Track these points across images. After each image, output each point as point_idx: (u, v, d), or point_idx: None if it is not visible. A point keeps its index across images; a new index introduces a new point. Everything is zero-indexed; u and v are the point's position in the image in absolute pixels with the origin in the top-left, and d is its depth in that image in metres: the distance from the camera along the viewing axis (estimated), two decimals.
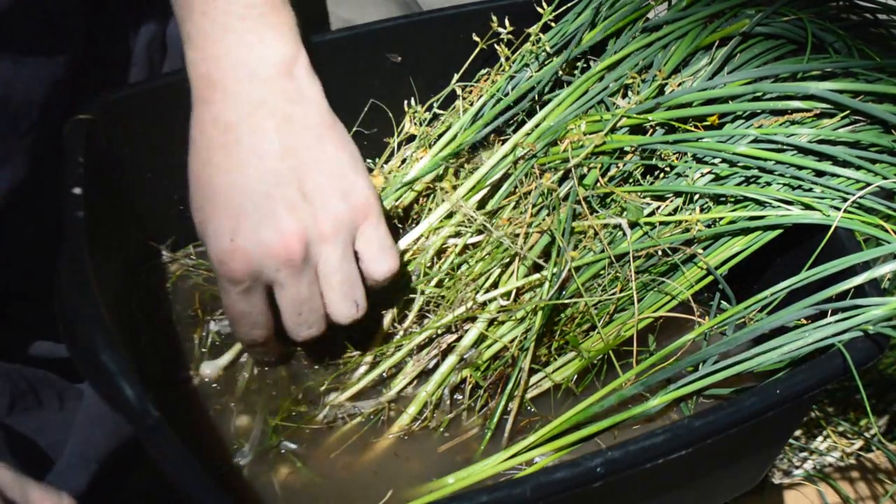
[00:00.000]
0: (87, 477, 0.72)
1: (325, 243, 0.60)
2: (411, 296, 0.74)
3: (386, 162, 0.87)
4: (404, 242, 0.78)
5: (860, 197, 0.68)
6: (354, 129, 0.84)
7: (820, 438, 0.88)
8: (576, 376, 0.72)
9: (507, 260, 0.73)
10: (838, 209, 0.68)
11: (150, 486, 0.76)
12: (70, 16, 0.70)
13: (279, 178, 0.58)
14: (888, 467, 0.86)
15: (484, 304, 0.71)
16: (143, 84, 0.80)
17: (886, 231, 0.66)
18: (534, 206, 0.74)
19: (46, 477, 0.71)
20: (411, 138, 0.86)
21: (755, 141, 0.72)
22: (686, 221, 0.72)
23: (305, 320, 0.62)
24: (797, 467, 0.87)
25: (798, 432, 0.89)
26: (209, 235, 0.59)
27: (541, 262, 0.73)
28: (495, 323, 0.71)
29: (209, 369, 0.71)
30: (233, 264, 0.59)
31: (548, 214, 0.73)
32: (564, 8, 0.85)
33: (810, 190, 0.70)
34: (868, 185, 0.70)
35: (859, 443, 0.87)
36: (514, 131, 0.82)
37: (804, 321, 0.65)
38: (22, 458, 0.70)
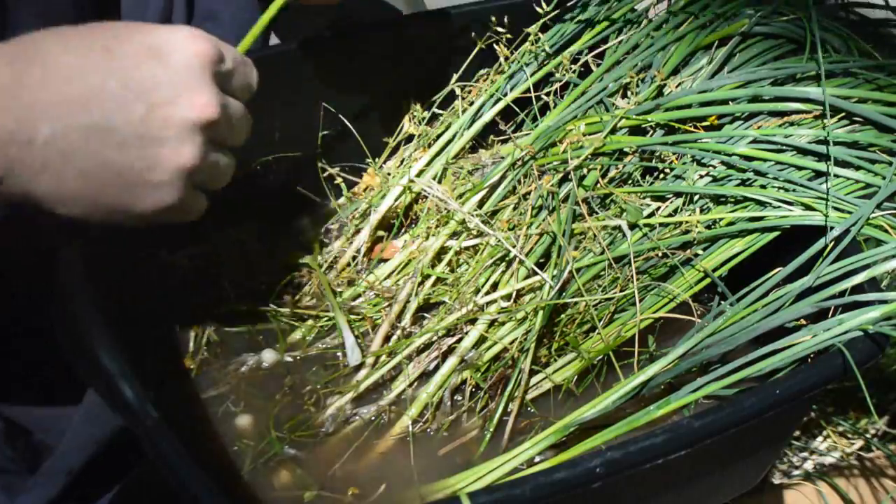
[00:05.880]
0: (84, 458, 0.72)
1: (211, 120, 0.55)
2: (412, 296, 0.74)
3: (385, 162, 0.87)
4: (402, 243, 0.78)
5: (864, 204, 0.68)
6: (353, 129, 0.84)
7: (820, 438, 0.88)
8: (576, 377, 0.72)
9: (508, 261, 0.73)
10: (838, 209, 0.68)
11: (149, 486, 0.76)
12: None
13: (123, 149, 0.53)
14: (888, 467, 0.86)
15: (484, 305, 0.71)
16: None
17: (886, 231, 0.66)
18: (533, 207, 0.74)
19: (47, 461, 0.71)
20: (410, 138, 0.86)
21: (754, 142, 0.73)
22: (686, 222, 0.72)
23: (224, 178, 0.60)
24: (797, 467, 0.87)
25: (798, 432, 0.89)
26: (120, 218, 0.55)
27: (541, 262, 0.73)
28: (495, 324, 0.71)
29: (269, 356, 0.73)
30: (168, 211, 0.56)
31: (549, 214, 0.73)
32: (563, 8, 0.85)
33: (807, 190, 0.70)
34: (867, 185, 0.70)
35: (859, 443, 0.87)
36: (514, 131, 0.82)
37: (804, 321, 0.65)
38: (20, 449, 0.70)
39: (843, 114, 0.72)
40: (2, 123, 0.49)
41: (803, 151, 0.72)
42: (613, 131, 0.75)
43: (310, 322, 0.75)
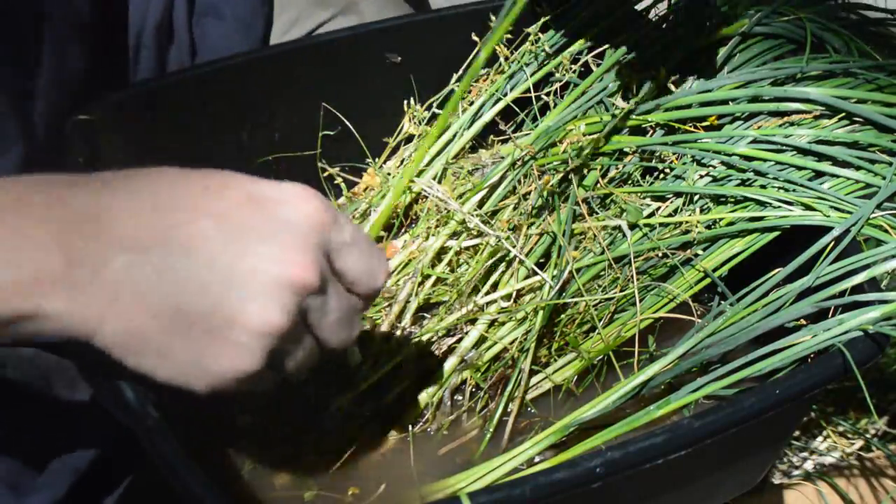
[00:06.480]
0: (90, 457, 0.72)
1: (306, 288, 0.48)
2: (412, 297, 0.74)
3: (385, 162, 0.87)
4: (402, 243, 0.78)
5: (864, 204, 0.68)
6: (353, 129, 0.84)
7: (820, 438, 0.88)
8: (576, 377, 0.72)
9: (508, 261, 0.73)
10: (838, 209, 0.68)
11: (151, 486, 0.76)
12: None
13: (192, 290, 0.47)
14: (888, 467, 0.86)
15: (484, 305, 0.71)
16: (143, 86, 0.80)
17: (886, 231, 0.66)
18: (533, 207, 0.74)
19: (54, 461, 0.71)
20: (410, 138, 0.86)
21: (754, 142, 0.73)
22: (686, 222, 0.72)
23: (302, 366, 0.52)
24: (797, 467, 0.87)
25: (798, 432, 0.89)
26: (185, 375, 0.49)
27: (541, 262, 0.73)
28: (496, 324, 0.71)
29: None
30: (233, 368, 0.48)
31: (549, 214, 0.73)
32: (563, 8, 0.85)
33: (807, 190, 0.70)
34: (867, 185, 0.70)
35: (859, 443, 0.87)
36: (514, 131, 0.82)
37: (804, 321, 0.65)
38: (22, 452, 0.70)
39: (843, 114, 0.72)
40: (76, 247, 0.45)
41: (803, 151, 0.72)
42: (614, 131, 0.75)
43: None
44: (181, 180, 0.49)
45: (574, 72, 0.82)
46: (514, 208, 0.76)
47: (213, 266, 0.46)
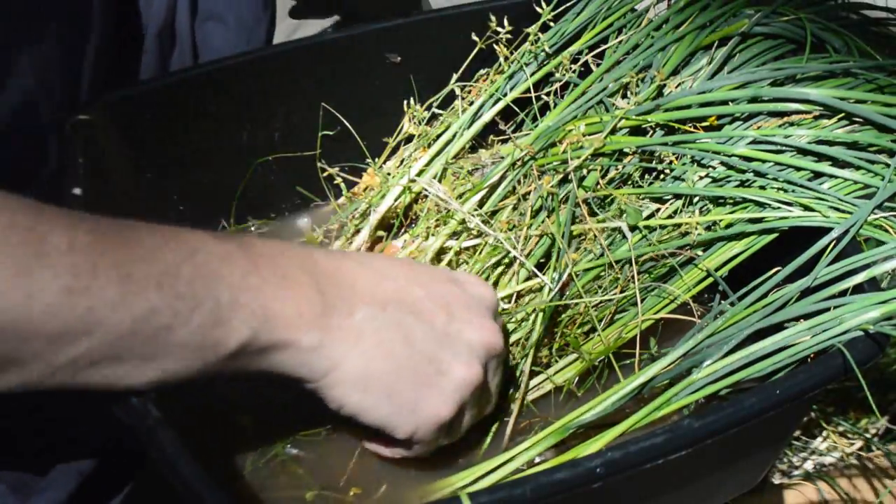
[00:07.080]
0: (94, 460, 0.72)
1: (494, 352, 0.61)
2: None
3: (385, 162, 0.87)
4: (402, 242, 0.78)
5: (864, 204, 0.68)
6: (353, 129, 0.84)
7: (820, 438, 0.88)
8: (577, 378, 0.72)
9: (508, 262, 0.73)
10: (838, 210, 0.68)
11: (152, 486, 0.76)
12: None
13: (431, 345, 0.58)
14: (888, 467, 0.86)
15: None
16: (143, 85, 0.80)
17: (886, 231, 0.66)
18: (533, 208, 0.74)
19: (56, 463, 0.71)
20: (410, 138, 0.86)
21: (754, 142, 0.73)
22: (686, 224, 0.72)
23: (466, 426, 0.64)
24: (797, 467, 0.87)
25: (798, 432, 0.89)
26: (398, 415, 0.58)
27: (542, 262, 0.73)
28: None
29: None
30: (440, 416, 0.59)
31: (548, 216, 0.73)
32: (564, 7, 0.85)
33: (806, 191, 0.70)
34: (867, 185, 0.70)
35: (859, 443, 0.87)
36: (514, 131, 0.82)
37: (804, 322, 0.65)
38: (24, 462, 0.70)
39: (842, 114, 0.72)
40: (331, 295, 0.54)
41: (803, 152, 0.72)
42: (613, 132, 0.75)
43: None
44: (385, 257, 0.65)
45: (574, 72, 0.82)
46: (514, 208, 0.76)
47: (433, 326, 0.58)
